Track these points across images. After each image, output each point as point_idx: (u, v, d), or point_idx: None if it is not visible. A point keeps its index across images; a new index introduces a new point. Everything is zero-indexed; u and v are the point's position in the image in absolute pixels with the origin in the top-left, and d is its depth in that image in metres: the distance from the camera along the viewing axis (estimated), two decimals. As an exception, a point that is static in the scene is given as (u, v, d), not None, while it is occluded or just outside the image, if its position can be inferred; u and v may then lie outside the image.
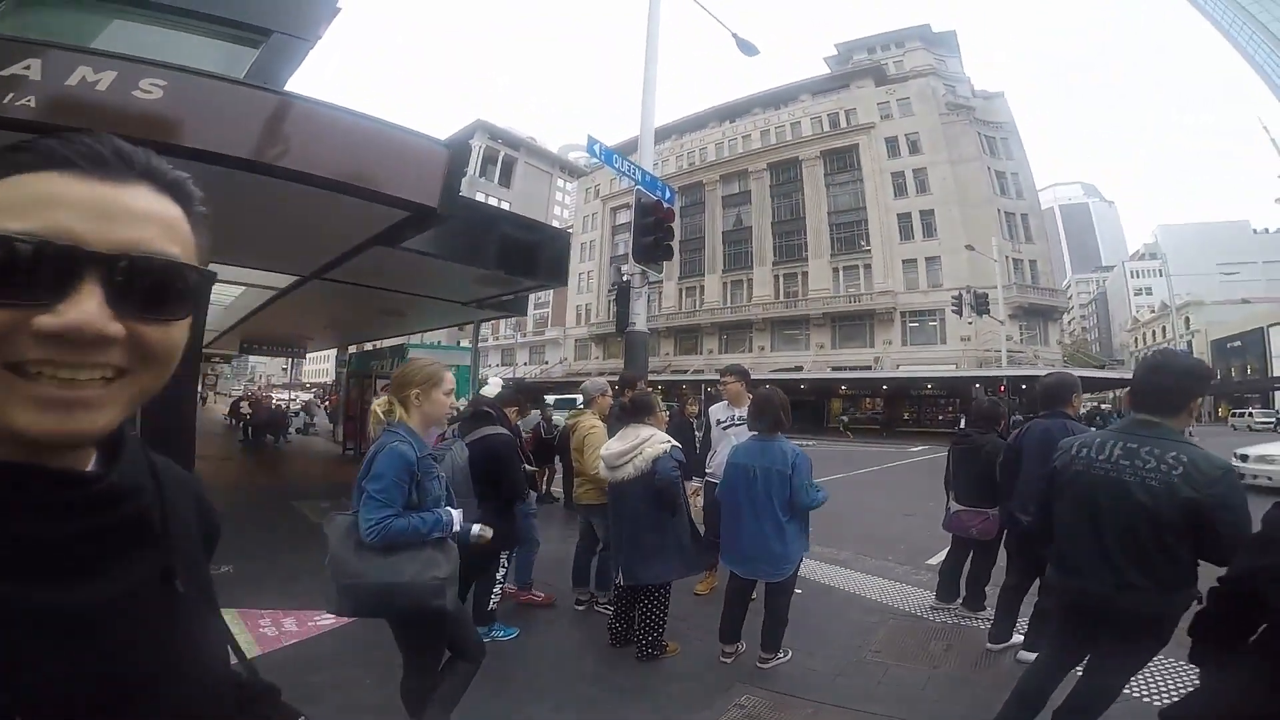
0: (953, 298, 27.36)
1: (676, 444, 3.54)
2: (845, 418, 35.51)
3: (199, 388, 36.50)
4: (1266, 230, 78.38)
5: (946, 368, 33.59)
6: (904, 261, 38.04)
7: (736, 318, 43.77)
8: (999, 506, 3.93)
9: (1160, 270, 66.94)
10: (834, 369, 37.31)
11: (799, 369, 38.22)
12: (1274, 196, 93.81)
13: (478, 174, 62.88)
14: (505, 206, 49.26)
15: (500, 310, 11.52)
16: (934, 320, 36.46)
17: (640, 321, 7.19)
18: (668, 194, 7.64)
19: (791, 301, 41.65)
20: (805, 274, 41.65)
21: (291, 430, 20.80)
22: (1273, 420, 35.43)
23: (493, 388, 8.05)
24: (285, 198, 4.91)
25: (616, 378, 5.83)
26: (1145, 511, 2.01)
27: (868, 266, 39.20)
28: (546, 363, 57.33)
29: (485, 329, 61.51)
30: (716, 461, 4.53)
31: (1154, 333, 64.97)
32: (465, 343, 15.43)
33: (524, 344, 62.14)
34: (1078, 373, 32.54)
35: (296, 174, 4.33)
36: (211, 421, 22.77)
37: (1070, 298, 67.36)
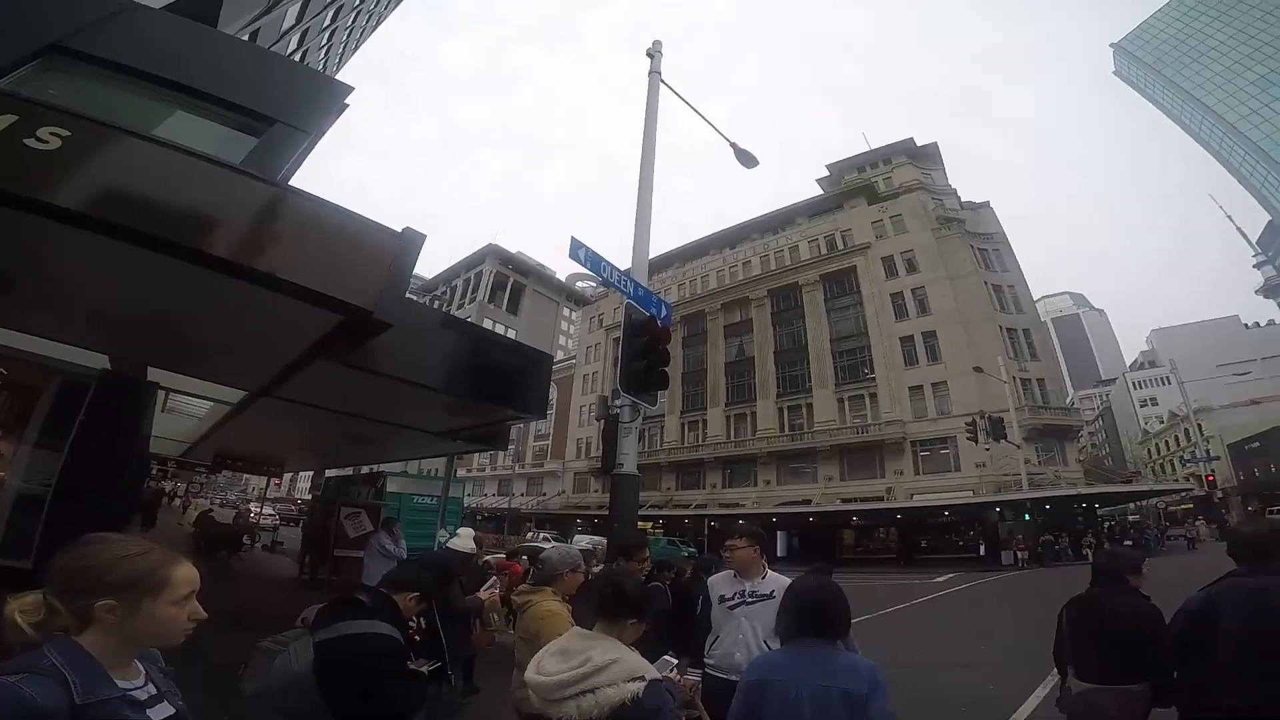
0: (967, 424, 26.41)
1: (655, 677, 2.12)
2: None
3: (184, 494, 34.86)
4: (1258, 324, 79.33)
5: (963, 494, 31.86)
6: (910, 389, 37.29)
7: (740, 451, 42.48)
8: (1149, 683, 2.95)
9: (1163, 379, 66.90)
10: (844, 501, 35.47)
11: (807, 502, 36.32)
12: (1254, 287, 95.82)
13: (486, 299, 64.56)
14: (512, 335, 49.82)
15: (479, 443, 10.48)
16: (945, 449, 35.09)
17: (629, 463, 5.94)
18: (663, 310, 6.70)
19: (796, 434, 40.52)
20: (809, 405, 40.88)
21: (259, 545, 20.25)
22: None
23: (464, 539, 6.62)
24: (198, 286, 4.09)
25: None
26: None
27: (873, 395, 38.49)
28: (544, 494, 55.20)
29: (482, 457, 60.05)
30: (720, 652, 3.42)
31: (1167, 443, 63.21)
32: (461, 471, 14.36)
33: (522, 474, 60.28)
34: (1104, 489, 30.51)
35: (191, 251, 3.51)
36: (178, 530, 20.78)
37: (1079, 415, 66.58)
